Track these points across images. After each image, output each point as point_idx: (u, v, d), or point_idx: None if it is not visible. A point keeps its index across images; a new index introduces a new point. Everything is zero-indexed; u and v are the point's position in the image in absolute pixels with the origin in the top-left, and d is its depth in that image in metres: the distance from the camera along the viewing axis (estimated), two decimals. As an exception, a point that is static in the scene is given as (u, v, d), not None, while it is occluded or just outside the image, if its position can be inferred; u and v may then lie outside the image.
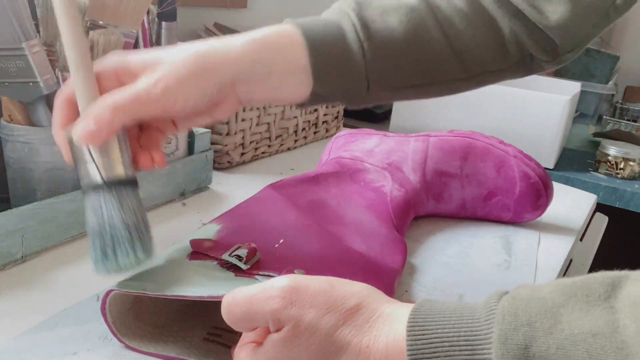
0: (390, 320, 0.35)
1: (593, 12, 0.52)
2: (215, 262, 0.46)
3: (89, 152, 0.42)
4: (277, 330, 0.35)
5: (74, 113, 0.43)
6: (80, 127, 0.41)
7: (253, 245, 0.47)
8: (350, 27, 0.48)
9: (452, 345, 0.32)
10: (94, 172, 0.42)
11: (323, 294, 0.35)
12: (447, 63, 0.52)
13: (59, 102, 0.44)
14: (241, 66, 0.44)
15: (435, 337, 0.32)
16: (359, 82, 0.49)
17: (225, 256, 0.46)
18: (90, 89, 0.42)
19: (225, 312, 0.37)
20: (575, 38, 0.53)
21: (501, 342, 0.30)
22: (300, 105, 0.50)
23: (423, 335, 0.33)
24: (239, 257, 0.45)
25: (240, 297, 0.36)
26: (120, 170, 0.43)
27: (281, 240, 0.52)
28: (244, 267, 0.45)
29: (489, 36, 0.52)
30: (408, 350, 0.33)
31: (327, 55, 0.47)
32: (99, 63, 0.44)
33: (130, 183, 0.43)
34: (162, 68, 0.42)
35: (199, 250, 0.48)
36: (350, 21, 0.48)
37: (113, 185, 0.42)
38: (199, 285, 0.43)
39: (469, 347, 0.31)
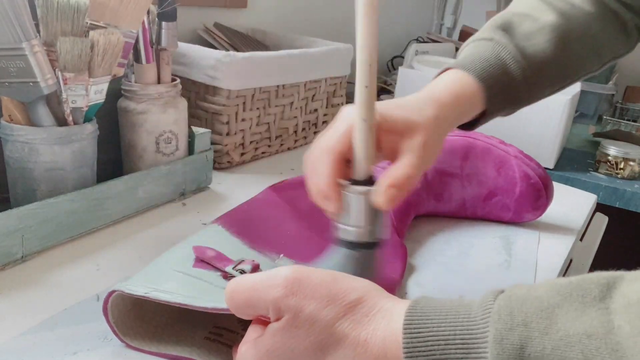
0: (389, 315, 0.35)
1: None
2: (218, 273, 0.47)
3: (374, 214, 0.44)
4: (277, 320, 0.35)
5: (344, 166, 0.45)
6: (387, 196, 0.43)
7: (256, 262, 0.48)
8: (511, 58, 0.55)
9: (447, 344, 0.32)
10: (376, 231, 0.44)
11: (325, 286, 0.36)
12: (589, 62, 0.60)
13: (331, 157, 0.45)
14: (452, 124, 0.53)
15: (431, 335, 0.32)
16: (522, 103, 0.58)
17: (229, 269, 0.46)
18: (372, 148, 0.44)
19: (228, 297, 0.38)
20: None
21: (497, 342, 0.30)
22: (464, 128, 0.58)
23: (419, 333, 0.33)
24: (243, 272, 0.46)
25: (243, 283, 0.37)
26: (385, 234, 0.45)
27: (281, 255, 0.53)
28: None
29: (616, 29, 0.61)
30: (404, 347, 0.33)
31: (499, 92, 0.55)
32: None
33: (383, 244, 0.46)
34: (422, 133, 0.47)
35: (203, 259, 0.48)
36: (508, 52, 0.55)
37: (378, 245, 0.45)
38: (202, 295, 0.43)
39: (465, 346, 0.31)
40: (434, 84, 0.54)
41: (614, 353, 0.28)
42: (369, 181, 0.44)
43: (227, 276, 0.46)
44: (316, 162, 0.46)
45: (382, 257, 0.45)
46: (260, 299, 0.36)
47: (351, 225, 0.44)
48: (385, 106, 0.47)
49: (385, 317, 0.35)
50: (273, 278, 0.36)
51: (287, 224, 0.59)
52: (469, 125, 0.57)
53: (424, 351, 0.32)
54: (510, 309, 0.31)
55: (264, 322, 0.37)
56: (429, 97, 0.51)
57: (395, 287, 0.54)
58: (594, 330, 0.29)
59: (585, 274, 0.32)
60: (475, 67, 0.54)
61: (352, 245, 0.44)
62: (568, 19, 0.58)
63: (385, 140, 0.46)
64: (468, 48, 0.58)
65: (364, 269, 0.44)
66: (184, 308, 0.48)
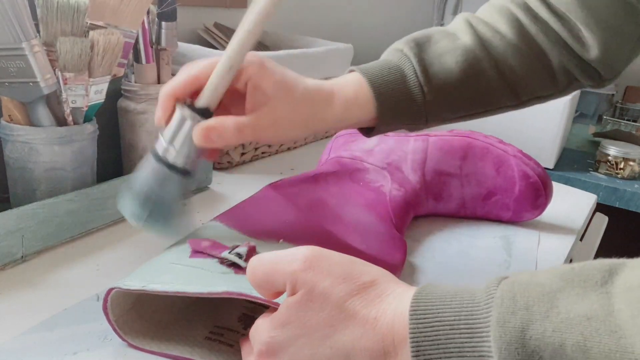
0: (399, 298, 0.35)
1: (627, 41, 0.57)
2: (215, 260, 0.46)
3: (187, 141, 0.47)
4: (293, 294, 0.36)
5: (192, 90, 0.48)
6: (205, 133, 0.47)
7: (252, 244, 0.47)
8: (412, 71, 0.55)
9: (452, 328, 0.32)
10: (177, 156, 0.47)
11: (342, 266, 0.37)
12: (500, 94, 0.58)
13: (188, 74, 0.48)
14: (333, 123, 0.54)
15: (437, 320, 0.33)
16: (419, 119, 0.56)
17: (225, 254, 0.46)
18: (225, 88, 0.47)
19: (249, 272, 0.39)
20: (615, 67, 0.59)
21: (499, 325, 0.31)
22: (365, 134, 0.58)
23: (425, 318, 0.33)
24: (239, 255, 0.46)
25: (264, 258, 0.38)
26: (193, 167, 0.49)
27: (280, 240, 0.53)
28: (243, 264, 0.45)
29: (539, 67, 0.58)
30: (410, 332, 0.33)
31: (392, 103, 0.55)
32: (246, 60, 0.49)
33: (189, 174, 0.49)
34: (284, 109, 0.49)
35: (198, 250, 0.48)
36: (411, 65, 0.55)
37: (179, 172, 0.48)
38: (198, 282, 0.43)
39: (469, 330, 0.32)
40: (333, 80, 0.55)
41: (613, 334, 0.28)
42: (205, 113, 0.47)
43: (224, 262, 0.46)
44: (180, 71, 0.49)
45: (184, 188, 0.48)
46: (279, 272, 0.37)
47: (166, 139, 0.47)
48: (272, 66, 0.50)
49: (396, 300, 0.35)
50: (293, 254, 0.37)
51: (286, 216, 0.59)
52: (366, 131, 0.58)
53: (430, 335, 0.33)
54: (512, 294, 0.32)
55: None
56: (319, 88, 0.53)
57: (394, 273, 0.54)
58: (594, 313, 0.29)
59: (588, 261, 0.33)
60: (373, 72, 0.55)
61: (157, 157, 0.47)
62: (485, 45, 0.57)
63: (251, 94, 0.49)
64: (383, 55, 0.59)
65: (162, 187, 0.47)
66: (185, 306, 0.48)
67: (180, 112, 0.47)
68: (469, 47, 0.56)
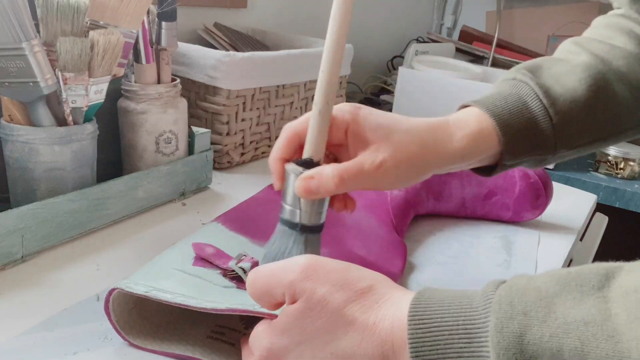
0: (398, 303, 0.36)
1: None
2: (218, 271, 0.47)
3: (299, 199, 0.45)
4: (292, 304, 0.37)
5: (295, 148, 0.47)
6: (304, 184, 0.44)
7: (256, 259, 0.48)
8: (533, 96, 0.50)
9: (451, 334, 0.33)
10: (297, 214, 0.45)
11: (338, 273, 0.37)
12: (631, 111, 0.53)
13: (286, 134, 0.47)
14: (454, 162, 0.48)
15: (435, 326, 0.33)
16: (547, 148, 0.51)
17: (232, 264, 0.47)
18: (323, 136, 0.45)
19: (249, 285, 0.39)
20: None
21: (497, 331, 0.31)
22: (485, 174, 0.52)
23: (424, 324, 0.34)
24: (243, 270, 0.46)
25: (263, 270, 0.39)
26: (318, 220, 0.46)
27: None
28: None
29: None
30: (409, 338, 0.33)
31: (517, 133, 0.49)
32: (336, 109, 0.47)
33: (319, 229, 0.46)
34: (387, 150, 0.45)
35: (202, 256, 0.48)
36: (530, 90, 0.50)
37: (307, 230, 0.45)
38: (201, 295, 0.43)
39: (467, 335, 0.32)
40: (446, 117, 0.50)
41: (610, 339, 0.29)
42: (309, 165, 0.45)
43: (227, 274, 0.46)
44: (277, 140, 0.48)
45: (312, 243, 0.46)
46: (278, 283, 0.37)
47: (284, 202, 0.46)
48: (367, 111, 0.47)
49: (395, 305, 0.36)
50: (290, 264, 0.38)
51: None
52: (487, 171, 0.52)
53: (429, 341, 0.33)
54: (510, 299, 0.32)
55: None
56: (429, 124, 0.48)
57: (394, 281, 0.55)
58: (591, 318, 0.29)
59: (584, 265, 0.33)
60: (489, 103, 0.50)
61: (282, 221, 0.46)
62: (604, 59, 0.52)
63: (352, 143, 0.46)
64: (490, 89, 0.54)
65: (288, 250, 0.45)
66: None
67: (287, 171, 0.46)
68: (590, 64, 0.52)
